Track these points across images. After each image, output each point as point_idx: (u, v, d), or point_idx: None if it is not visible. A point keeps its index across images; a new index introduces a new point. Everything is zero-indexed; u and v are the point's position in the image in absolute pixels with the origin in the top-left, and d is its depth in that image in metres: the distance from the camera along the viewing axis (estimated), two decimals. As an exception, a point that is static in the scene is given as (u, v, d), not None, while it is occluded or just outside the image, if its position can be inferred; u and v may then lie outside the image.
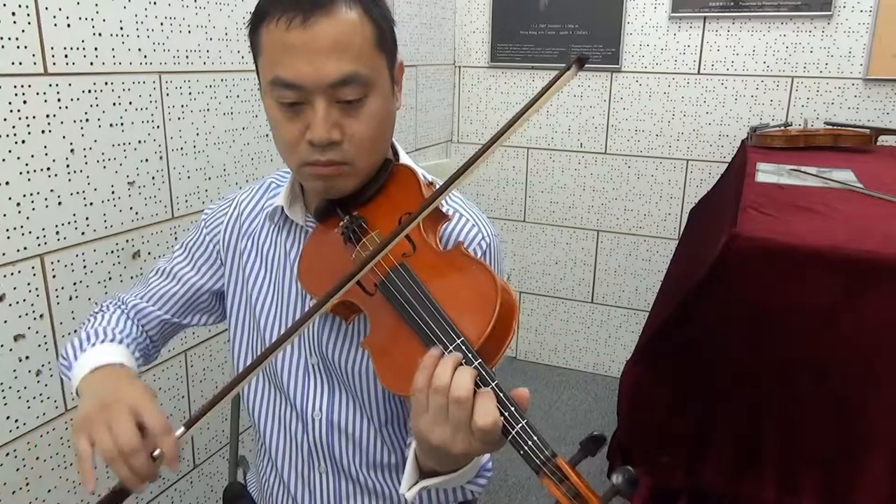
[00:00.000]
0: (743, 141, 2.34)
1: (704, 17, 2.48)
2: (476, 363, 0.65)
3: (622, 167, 2.72)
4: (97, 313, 1.02)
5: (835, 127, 2.23)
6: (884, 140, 2.23)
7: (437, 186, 0.91)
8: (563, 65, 0.65)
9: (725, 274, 1.24)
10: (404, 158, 0.94)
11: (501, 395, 0.64)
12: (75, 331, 1.01)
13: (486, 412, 0.62)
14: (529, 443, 0.61)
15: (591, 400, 2.74)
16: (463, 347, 0.67)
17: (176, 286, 1.02)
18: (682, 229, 2.57)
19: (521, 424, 0.62)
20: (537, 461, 0.61)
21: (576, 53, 0.66)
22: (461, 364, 0.66)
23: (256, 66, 0.85)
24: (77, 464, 0.72)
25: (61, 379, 1.28)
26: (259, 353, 0.98)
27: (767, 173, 1.74)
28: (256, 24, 0.82)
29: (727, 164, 2.39)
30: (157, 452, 0.72)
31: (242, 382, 0.73)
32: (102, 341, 0.92)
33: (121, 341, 0.93)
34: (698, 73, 2.53)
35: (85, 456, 0.72)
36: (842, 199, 1.48)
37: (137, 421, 0.73)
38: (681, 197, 2.66)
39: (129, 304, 1.02)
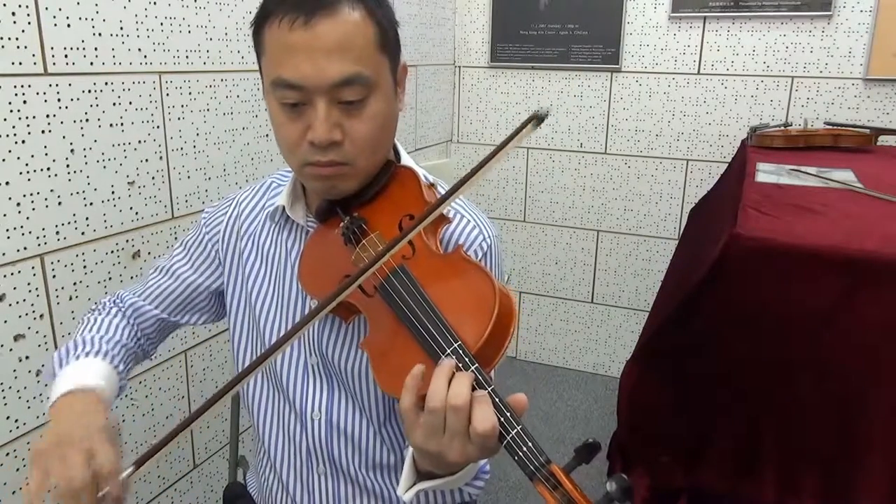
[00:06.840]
0: (743, 141, 2.33)
1: (704, 18, 2.48)
2: (472, 367, 0.65)
3: (622, 167, 2.72)
4: (93, 312, 1.02)
5: (835, 127, 2.23)
6: (884, 140, 2.23)
7: (438, 188, 0.91)
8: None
9: (725, 274, 1.24)
10: (406, 160, 0.95)
11: (497, 400, 0.64)
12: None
13: (485, 417, 0.62)
14: (524, 448, 0.62)
15: (591, 400, 2.74)
16: (460, 351, 0.67)
17: (174, 284, 1.02)
18: (682, 229, 2.57)
19: (515, 430, 0.62)
20: (531, 467, 0.61)
21: (535, 109, 0.67)
22: (456, 370, 0.65)
23: (260, 66, 0.85)
24: (26, 495, 0.73)
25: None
26: (259, 352, 0.98)
27: (767, 173, 1.74)
28: (260, 23, 0.82)
29: (727, 164, 2.39)
30: (102, 493, 0.73)
31: (231, 391, 0.72)
32: (87, 353, 0.92)
33: (106, 353, 0.93)
34: (698, 73, 2.53)
35: (38, 489, 0.74)
36: (842, 199, 1.48)
37: (90, 460, 0.74)
38: (681, 197, 2.66)
39: (127, 303, 1.02)
